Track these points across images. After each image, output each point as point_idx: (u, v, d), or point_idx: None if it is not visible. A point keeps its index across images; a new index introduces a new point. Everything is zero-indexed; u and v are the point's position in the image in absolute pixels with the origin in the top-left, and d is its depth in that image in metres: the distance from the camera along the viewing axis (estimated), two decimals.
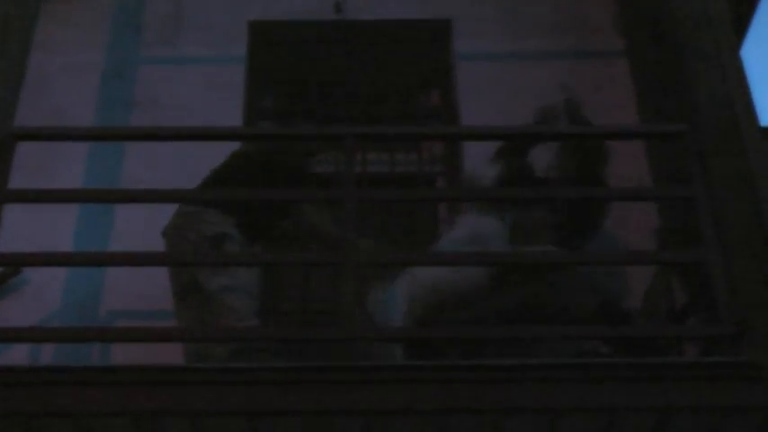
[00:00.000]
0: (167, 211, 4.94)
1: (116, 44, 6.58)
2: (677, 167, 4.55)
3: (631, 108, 6.08)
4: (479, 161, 5.23)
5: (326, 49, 6.64)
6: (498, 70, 6.36)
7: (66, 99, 6.22)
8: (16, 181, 4.34)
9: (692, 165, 4.29)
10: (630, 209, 5.52)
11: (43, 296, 5.47)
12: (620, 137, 5.15)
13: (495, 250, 4.74)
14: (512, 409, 3.84)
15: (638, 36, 6.27)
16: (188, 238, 4.84)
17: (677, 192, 4.64)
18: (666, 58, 5.35)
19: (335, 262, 4.22)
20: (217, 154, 5.27)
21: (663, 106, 5.66)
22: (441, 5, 6.65)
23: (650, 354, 4.28)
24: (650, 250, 5.29)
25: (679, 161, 4.42)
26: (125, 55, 6.52)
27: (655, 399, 3.83)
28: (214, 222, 4.84)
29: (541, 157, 5.10)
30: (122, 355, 5.03)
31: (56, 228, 5.63)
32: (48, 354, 5.23)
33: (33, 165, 5.32)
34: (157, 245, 4.83)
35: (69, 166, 5.87)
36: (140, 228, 5.45)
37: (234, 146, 5.19)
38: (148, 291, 5.30)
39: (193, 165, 5.19)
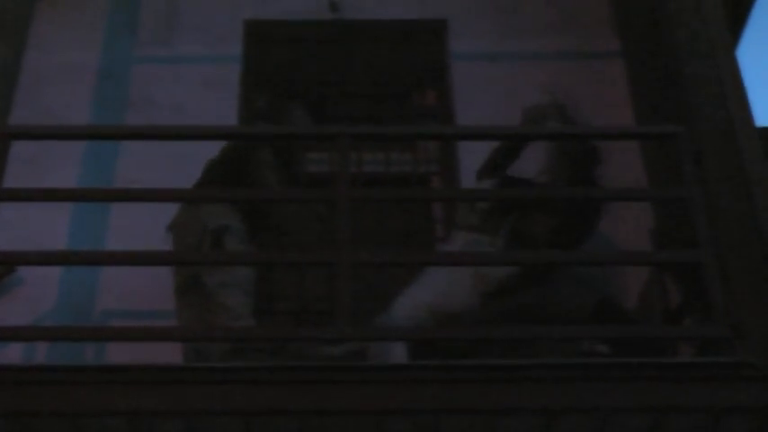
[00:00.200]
0: (162, 211, 4.93)
1: (111, 43, 6.56)
2: (673, 168, 4.54)
3: (627, 108, 6.08)
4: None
5: (322, 49, 6.63)
6: (494, 70, 6.36)
7: (61, 98, 6.21)
8: (10, 180, 4.33)
9: (687, 165, 4.29)
10: (626, 209, 5.53)
11: (38, 295, 5.46)
12: (616, 137, 5.15)
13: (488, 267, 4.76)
14: (508, 410, 3.85)
15: (634, 36, 6.27)
16: (192, 232, 4.86)
17: (673, 192, 4.65)
18: (663, 59, 5.35)
19: (331, 262, 4.21)
20: (211, 153, 5.27)
21: (659, 107, 5.66)
22: (436, 5, 6.65)
23: (646, 354, 4.28)
24: (646, 251, 5.29)
25: (675, 162, 4.42)
26: (120, 54, 6.50)
27: (651, 399, 3.84)
28: (217, 214, 4.86)
29: (530, 165, 5.10)
30: (117, 354, 5.02)
31: (50, 227, 5.62)
32: (42, 353, 5.22)
33: (28, 164, 5.31)
34: (152, 244, 4.81)
35: (64, 165, 5.85)
36: (135, 227, 5.45)
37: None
38: (143, 290, 5.30)
39: (188, 164, 5.19)
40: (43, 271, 5.25)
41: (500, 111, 5.41)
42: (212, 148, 5.26)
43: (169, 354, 4.64)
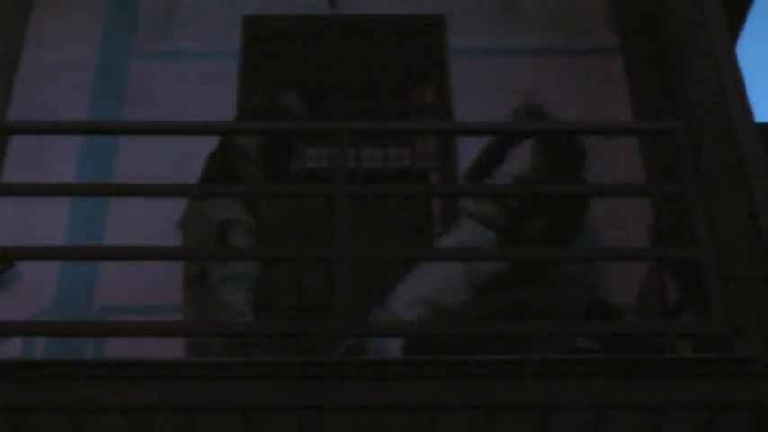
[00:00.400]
0: (160, 206, 4.93)
1: (110, 39, 6.56)
2: (671, 164, 4.54)
3: (626, 105, 6.09)
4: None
5: (321, 45, 6.62)
6: (492, 66, 6.36)
7: (60, 94, 6.21)
8: (9, 175, 4.33)
9: (685, 162, 4.29)
10: (624, 205, 5.53)
11: (36, 290, 5.46)
12: (614, 133, 5.16)
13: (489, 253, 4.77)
14: (506, 406, 3.85)
15: (632, 33, 6.27)
16: (198, 227, 4.88)
17: (671, 188, 4.65)
18: (661, 56, 5.35)
19: (329, 257, 4.21)
20: (210, 149, 5.28)
21: (657, 103, 5.67)
22: (435, 1, 6.65)
23: (643, 350, 4.29)
24: (644, 247, 5.30)
25: (673, 158, 4.42)
26: (119, 50, 6.50)
27: (648, 395, 3.84)
28: (221, 208, 4.88)
29: (518, 165, 5.12)
30: (115, 349, 5.02)
31: (48, 222, 5.62)
32: (40, 348, 5.22)
33: (26, 158, 5.31)
34: (150, 239, 4.81)
35: (62, 160, 5.85)
36: (133, 222, 5.45)
37: None
38: (141, 285, 5.31)
39: (187, 159, 5.19)
40: (42, 266, 5.26)
41: (498, 107, 5.41)
42: (210, 144, 5.27)
43: (168, 349, 4.63)
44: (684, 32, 4.75)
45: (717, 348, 4.02)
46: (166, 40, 6.56)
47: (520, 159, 5.08)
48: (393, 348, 4.58)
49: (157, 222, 5.17)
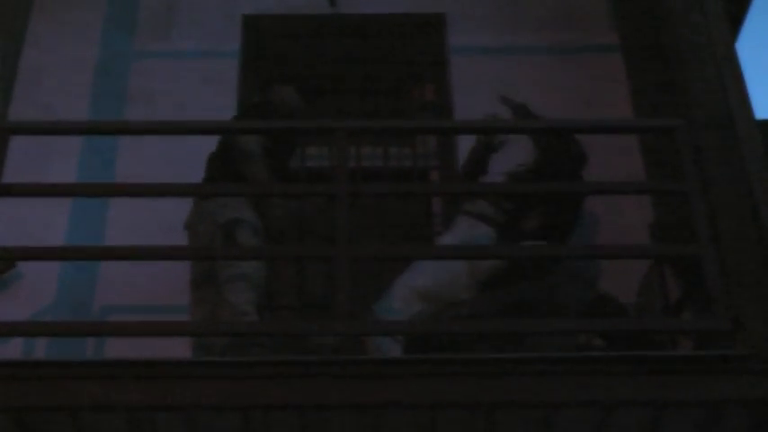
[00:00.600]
0: (160, 206, 4.94)
1: (109, 39, 6.56)
2: (672, 162, 4.54)
3: (626, 103, 6.08)
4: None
5: (320, 43, 6.62)
6: (492, 65, 6.35)
7: (60, 94, 6.20)
8: (9, 175, 4.33)
9: (686, 159, 4.29)
10: (625, 203, 5.53)
11: (37, 291, 5.46)
12: (615, 131, 5.15)
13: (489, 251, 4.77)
14: (507, 403, 3.84)
15: (632, 31, 6.27)
16: (204, 227, 4.88)
17: (671, 186, 4.65)
18: (661, 53, 5.35)
19: (329, 255, 4.21)
20: (209, 148, 5.28)
21: (658, 101, 5.66)
22: None
23: (645, 348, 4.28)
24: (645, 244, 5.29)
25: (673, 156, 4.42)
26: (119, 49, 6.50)
27: (650, 392, 3.83)
28: (227, 208, 4.88)
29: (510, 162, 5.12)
30: (116, 349, 5.02)
31: (49, 222, 5.62)
32: (41, 348, 5.22)
33: (26, 158, 5.31)
34: (151, 239, 4.82)
35: (62, 160, 5.85)
36: (133, 222, 5.45)
37: None
38: (142, 285, 5.31)
39: (187, 159, 5.19)
40: (42, 266, 5.25)
41: (498, 105, 5.40)
42: (210, 143, 5.27)
43: (169, 349, 4.64)
44: (685, 30, 4.74)
45: (718, 345, 4.01)
46: (166, 40, 6.55)
47: (514, 158, 5.08)
48: (393, 346, 4.58)
49: (157, 222, 5.17)
